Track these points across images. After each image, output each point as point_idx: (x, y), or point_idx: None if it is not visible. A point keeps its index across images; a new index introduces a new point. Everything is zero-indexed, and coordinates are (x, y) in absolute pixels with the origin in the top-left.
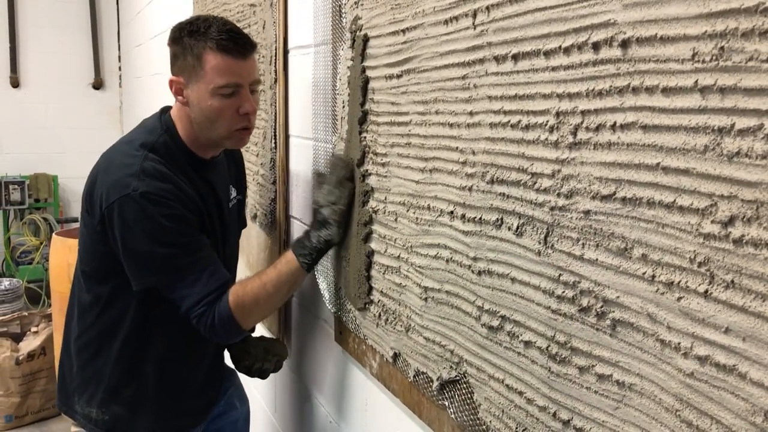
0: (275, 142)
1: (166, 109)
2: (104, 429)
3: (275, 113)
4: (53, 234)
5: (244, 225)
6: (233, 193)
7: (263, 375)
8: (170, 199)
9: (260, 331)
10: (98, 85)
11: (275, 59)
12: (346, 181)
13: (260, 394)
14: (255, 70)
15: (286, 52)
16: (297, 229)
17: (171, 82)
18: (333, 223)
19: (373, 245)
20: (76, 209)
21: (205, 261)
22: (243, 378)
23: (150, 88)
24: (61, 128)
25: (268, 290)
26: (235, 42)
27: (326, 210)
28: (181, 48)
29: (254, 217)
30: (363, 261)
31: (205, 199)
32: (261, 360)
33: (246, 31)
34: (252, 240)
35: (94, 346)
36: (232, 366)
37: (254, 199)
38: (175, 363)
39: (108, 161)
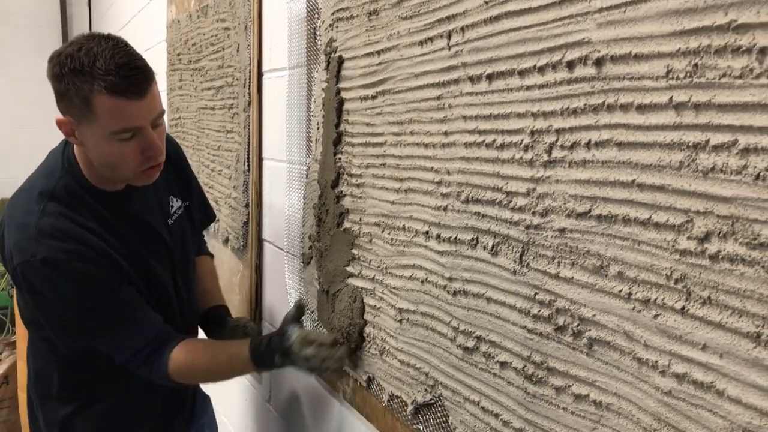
0: (248, 165)
1: (68, 141)
2: None
3: (249, 136)
4: None
5: (200, 227)
6: (175, 204)
7: None
8: (72, 260)
9: None
10: None
11: (249, 82)
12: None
13: (231, 423)
14: (156, 104)
15: (260, 74)
16: (269, 253)
17: (59, 123)
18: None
19: (347, 267)
20: None
21: (127, 317)
22: (214, 407)
23: None
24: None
25: (214, 374)
26: (127, 81)
27: (309, 356)
28: (64, 87)
29: (226, 240)
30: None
31: (125, 234)
32: None
33: (219, 54)
34: (224, 265)
35: (36, 381)
36: (206, 393)
37: (226, 223)
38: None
39: (9, 215)
